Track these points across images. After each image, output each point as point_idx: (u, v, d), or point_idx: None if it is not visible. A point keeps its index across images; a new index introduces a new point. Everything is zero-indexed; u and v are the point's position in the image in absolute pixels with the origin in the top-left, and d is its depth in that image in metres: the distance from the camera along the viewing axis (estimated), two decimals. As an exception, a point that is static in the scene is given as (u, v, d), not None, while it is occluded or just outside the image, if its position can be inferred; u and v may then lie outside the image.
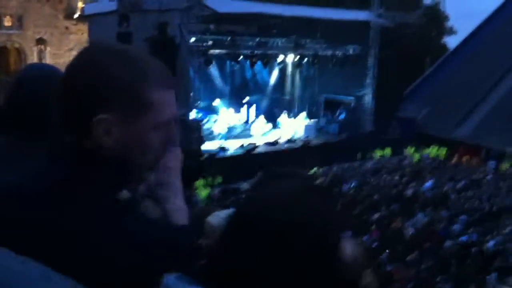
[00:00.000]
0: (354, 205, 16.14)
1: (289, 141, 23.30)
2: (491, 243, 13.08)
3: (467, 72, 25.37)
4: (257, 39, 23.18)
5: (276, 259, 0.89)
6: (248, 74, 26.27)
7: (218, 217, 1.22)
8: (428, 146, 23.13)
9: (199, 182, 17.04)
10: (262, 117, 24.36)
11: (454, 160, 22.23)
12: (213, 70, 24.62)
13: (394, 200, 16.77)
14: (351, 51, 25.58)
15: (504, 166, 20.15)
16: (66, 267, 0.76)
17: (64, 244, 0.96)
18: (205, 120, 22.55)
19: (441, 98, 24.38)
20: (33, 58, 27.73)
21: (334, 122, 26.12)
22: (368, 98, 25.96)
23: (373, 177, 19.79)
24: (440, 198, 16.97)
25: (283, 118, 25.06)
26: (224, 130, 22.76)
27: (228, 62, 24.83)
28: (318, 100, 27.12)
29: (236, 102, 25.50)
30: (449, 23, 33.58)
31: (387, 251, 12.70)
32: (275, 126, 24.67)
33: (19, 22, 28.32)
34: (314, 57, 25.67)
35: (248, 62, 24.35)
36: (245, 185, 17.18)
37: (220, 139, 22.20)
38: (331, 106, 26.68)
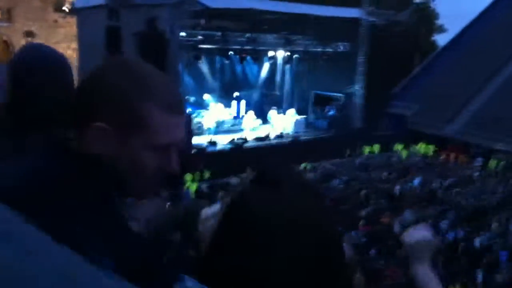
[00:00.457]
0: (343, 200, 16.21)
1: (278, 136, 23.30)
2: (478, 240, 13.20)
3: (457, 70, 25.58)
4: (248, 35, 23.12)
5: (276, 259, 0.90)
6: (238, 69, 26.22)
7: (208, 214, 1.21)
8: (417, 143, 23.28)
9: (187, 177, 16.98)
10: (251, 112, 24.32)
11: (443, 157, 22.39)
12: (203, 65, 24.56)
13: (382, 197, 16.86)
14: (341, 48, 25.72)
15: (492, 163, 20.33)
16: None
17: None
18: (194, 115, 22.46)
19: (431, 95, 24.53)
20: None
21: (323, 118, 26.17)
22: (358, 94, 26.05)
23: (362, 173, 19.89)
24: (428, 195, 17.08)
25: (272, 113, 25.03)
26: (213, 125, 22.73)
27: (218, 57, 24.77)
28: (308, 96, 27.12)
29: (226, 97, 25.44)
30: (439, 22, 33.86)
31: (375, 247, 12.76)
32: (264, 121, 24.65)
33: (8, 14, 28.13)
34: (304, 54, 25.76)
35: (238, 57, 24.38)
36: (234, 180, 17.16)
37: (209, 133, 22.17)
38: (321, 102, 26.69)
